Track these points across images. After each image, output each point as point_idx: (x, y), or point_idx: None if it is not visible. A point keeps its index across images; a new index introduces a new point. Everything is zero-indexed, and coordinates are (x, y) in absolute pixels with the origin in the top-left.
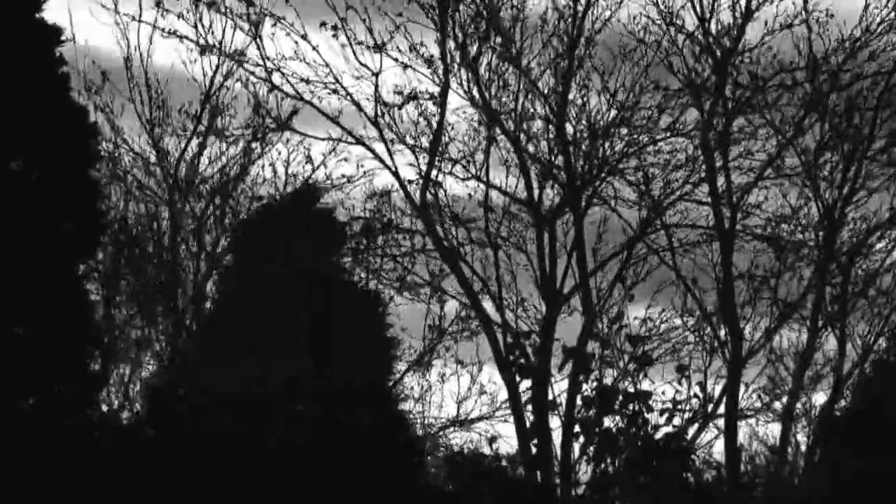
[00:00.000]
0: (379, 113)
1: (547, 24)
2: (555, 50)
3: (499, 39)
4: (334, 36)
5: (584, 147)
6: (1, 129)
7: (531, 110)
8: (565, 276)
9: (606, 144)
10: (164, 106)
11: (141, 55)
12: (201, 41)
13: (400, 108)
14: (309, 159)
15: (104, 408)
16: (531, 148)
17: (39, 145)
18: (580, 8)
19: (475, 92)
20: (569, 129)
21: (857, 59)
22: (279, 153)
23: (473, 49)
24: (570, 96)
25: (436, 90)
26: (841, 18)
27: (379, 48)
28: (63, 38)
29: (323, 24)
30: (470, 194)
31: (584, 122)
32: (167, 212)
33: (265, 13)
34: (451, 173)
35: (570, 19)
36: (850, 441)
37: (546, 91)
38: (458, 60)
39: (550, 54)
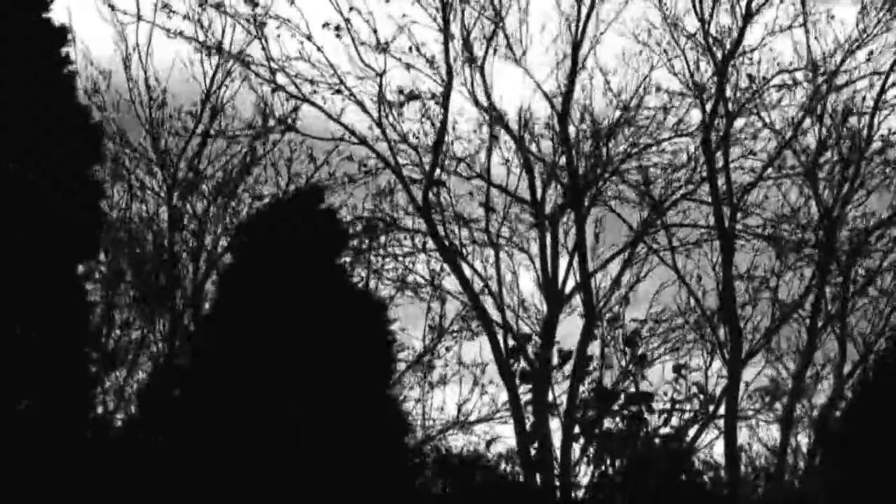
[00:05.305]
0: (383, 113)
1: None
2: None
3: (503, 40)
4: (338, 36)
5: (586, 148)
6: (7, 129)
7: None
8: (567, 277)
9: (609, 145)
10: (164, 106)
11: (140, 55)
12: (207, 40)
13: (401, 106)
14: (311, 159)
15: (100, 409)
16: (534, 148)
17: (45, 145)
18: (584, 10)
19: (479, 92)
20: (571, 129)
21: (856, 60)
22: (281, 152)
23: (479, 50)
24: (573, 97)
25: (439, 90)
26: (838, 19)
27: (383, 49)
28: (69, 37)
29: (325, 24)
30: (472, 193)
31: (586, 122)
32: (166, 212)
33: (270, 15)
34: (454, 172)
35: (573, 21)
36: (851, 440)
37: (550, 92)
38: (461, 60)
39: (554, 55)
